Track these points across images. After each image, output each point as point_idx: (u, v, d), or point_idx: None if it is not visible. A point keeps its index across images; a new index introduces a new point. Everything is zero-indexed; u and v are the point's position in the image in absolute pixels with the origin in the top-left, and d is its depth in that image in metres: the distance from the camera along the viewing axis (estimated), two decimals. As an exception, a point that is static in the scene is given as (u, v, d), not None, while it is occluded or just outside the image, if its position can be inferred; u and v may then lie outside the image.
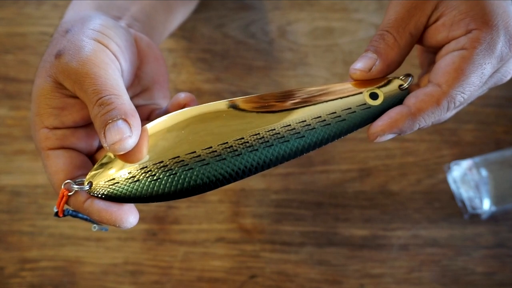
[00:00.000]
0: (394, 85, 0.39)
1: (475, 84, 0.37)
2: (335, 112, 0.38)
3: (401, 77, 0.40)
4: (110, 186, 0.36)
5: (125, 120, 0.35)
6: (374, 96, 0.39)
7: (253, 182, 0.60)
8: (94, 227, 0.41)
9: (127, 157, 0.36)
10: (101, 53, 0.37)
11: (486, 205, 0.56)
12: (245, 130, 0.37)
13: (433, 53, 0.41)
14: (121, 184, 0.36)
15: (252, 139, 0.37)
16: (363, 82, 0.39)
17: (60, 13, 0.65)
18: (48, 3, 0.66)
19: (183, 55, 0.64)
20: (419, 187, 0.59)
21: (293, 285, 0.57)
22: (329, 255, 0.58)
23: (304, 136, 0.37)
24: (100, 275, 0.57)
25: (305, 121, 0.38)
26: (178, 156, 0.36)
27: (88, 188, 0.36)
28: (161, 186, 0.36)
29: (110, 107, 0.35)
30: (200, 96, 0.63)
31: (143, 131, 0.36)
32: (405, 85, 0.39)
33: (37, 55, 0.64)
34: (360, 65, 0.39)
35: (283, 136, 0.37)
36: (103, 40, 0.39)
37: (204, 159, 0.36)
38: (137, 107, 0.39)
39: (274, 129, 0.37)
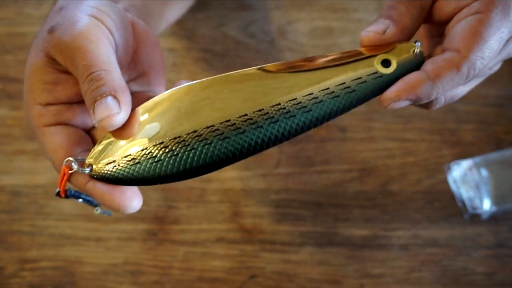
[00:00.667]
0: (406, 50, 0.36)
1: (494, 48, 0.35)
2: (344, 83, 0.35)
3: (413, 42, 0.37)
4: (113, 168, 0.34)
5: (114, 96, 0.34)
6: (386, 63, 0.36)
7: (253, 182, 0.60)
8: (97, 210, 0.40)
9: (118, 133, 0.35)
10: (94, 27, 0.37)
11: (486, 205, 0.56)
12: (251, 103, 0.35)
13: (437, 36, 0.40)
14: (124, 166, 0.34)
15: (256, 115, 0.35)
16: (373, 48, 0.36)
17: (60, 13, 0.65)
18: (48, 3, 0.66)
19: (183, 55, 0.64)
20: (419, 187, 0.59)
21: (293, 285, 0.57)
22: (329, 255, 0.58)
23: (311, 110, 0.35)
24: (100, 275, 0.57)
25: (312, 93, 0.35)
26: (196, 131, 0.34)
27: (89, 171, 0.35)
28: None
29: (100, 82, 0.34)
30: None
31: (135, 112, 0.35)
32: (418, 49, 0.36)
33: (37, 55, 0.64)
34: (373, 28, 0.36)
35: (289, 111, 0.35)
36: (97, 15, 0.38)
37: (218, 129, 0.34)
38: (133, 93, 0.39)
39: (280, 104, 0.35)
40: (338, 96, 0.35)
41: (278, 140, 0.35)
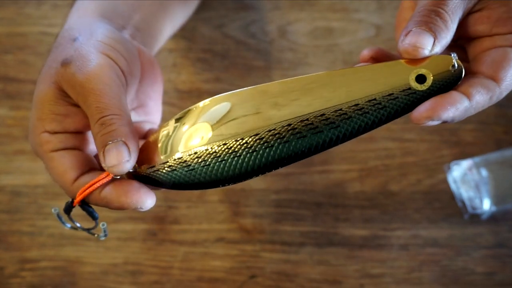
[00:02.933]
0: (443, 63, 0.34)
1: None
2: (375, 99, 0.34)
3: (452, 54, 0.34)
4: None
5: (125, 143, 0.35)
6: (421, 78, 0.34)
7: (253, 182, 0.60)
8: (97, 235, 0.41)
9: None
10: (108, 69, 0.38)
11: (486, 205, 0.56)
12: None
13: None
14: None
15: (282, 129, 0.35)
16: (409, 61, 0.35)
17: (60, 13, 0.65)
18: (48, 3, 0.66)
19: (183, 55, 0.64)
20: (419, 187, 0.59)
21: (293, 285, 0.57)
22: (329, 255, 0.58)
23: (339, 126, 0.34)
24: (100, 275, 0.57)
25: (341, 109, 0.34)
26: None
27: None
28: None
29: (111, 128, 0.36)
30: (200, 96, 0.63)
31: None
32: (456, 63, 0.34)
33: (37, 55, 0.64)
34: (414, 40, 0.34)
35: (317, 127, 0.34)
36: (112, 54, 0.39)
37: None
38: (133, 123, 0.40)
39: (307, 119, 0.34)
40: (367, 112, 0.34)
41: (304, 155, 0.34)
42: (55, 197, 0.59)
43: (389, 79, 0.34)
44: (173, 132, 0.37)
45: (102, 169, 0.38)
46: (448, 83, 0.34)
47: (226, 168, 0.35)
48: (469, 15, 0.37)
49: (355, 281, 0.57)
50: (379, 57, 0.39)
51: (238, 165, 0.35)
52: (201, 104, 0.36)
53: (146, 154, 0.37)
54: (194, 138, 0.36)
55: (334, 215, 0.59)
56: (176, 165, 0.36)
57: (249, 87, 0.36)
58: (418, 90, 0.34)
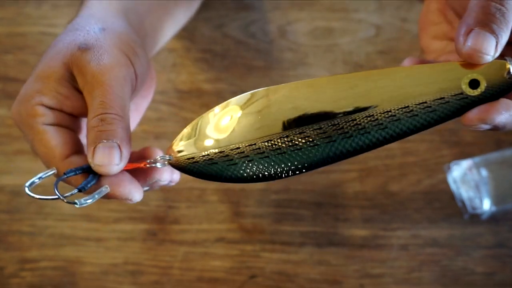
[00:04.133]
0: (496, 68, 0.33)
1: None
2: (425, 102, 0.33)
3: (507, 59, 0.33)
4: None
5: (119, 147, 0.35)
6: (474, 84, 0.33)
7: (253, 182, 0.60)
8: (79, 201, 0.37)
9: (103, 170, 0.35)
10: (124, 69, 0.37)
11: (486, 205, 0.56)
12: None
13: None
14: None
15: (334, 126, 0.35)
16: (464, 63, 0.33)
17: (60, 13, 0.65)
18: (48, 3, 0.66)
19: (183, 55, 0.64)
20: (419, 187, 0.59)
21: (293, 285, 0.57)
22: (329, 255, 0.58)
23: (386, 128, 0.34)
24: (100, 275, 0.57)
25: (390, 111, 0.34)
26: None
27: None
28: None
29: (110, 127, 0.35)
30: (200, 96, 0.63)
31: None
32: (511, 70, 0.33)
33: (37, 55, 0.64)
34: (475, 43, 0.32)
35: (364, 127, 0.34)
36: (131, 57, 0.38)
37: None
38: None
39: (355, 119, 0.34)
40: (416, 115, 0.34)
41: (349, 154, 0.34)
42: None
43: (441, 82, 0.34)
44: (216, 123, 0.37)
45: None
46: (501, 90, 0.33)
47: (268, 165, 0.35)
48: None
49: (355, 281, 0.57)
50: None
51: (281, 163, 0.35)
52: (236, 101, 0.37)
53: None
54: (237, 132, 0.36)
55: (334, 215, 0.59)
56: (217, 158, 0.36)
57: (291, 83, 0.36)
58: (470, 95, 0.33)
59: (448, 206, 0.59)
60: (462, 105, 0.33)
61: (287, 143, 0.35)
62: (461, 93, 0.33)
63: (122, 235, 0.58)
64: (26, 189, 0.35)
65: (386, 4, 0.65)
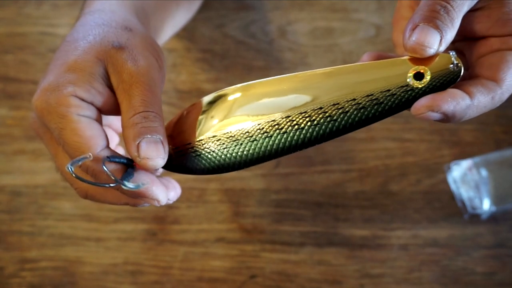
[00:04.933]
0: (443, 63, 0.34)
1: None
2: (372, 94, 0.35)
3: (451, 53, 0.34)
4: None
5: (162, 142, 0.36)
6: (419, 76, 0.34)
7: (253, 182, 0.60)
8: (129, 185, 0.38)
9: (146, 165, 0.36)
10: (157, 71, 0.38)
11: (486, 205, 0.56)
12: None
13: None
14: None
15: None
16: (411, 58, 0.35)
17: (60, 13, 0.65)
18: (48, 3, 0.66)
19: (183, 55, 0.64)
20: (419, 187, 0.59)
21: (293, 285, 0.57)
22: (329, 255, 0.58)
23: (336, 120, 0.35)
24: (100, 275, 0.57)
25: (338, 103, 0.35)
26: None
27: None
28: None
29: (153, 124, 0.36)
30: (200, 96, 0.62)
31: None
32: (455, 61, 0.34)
33: (37, 55, 0.64)
34: (419, 37, 0.34)
35: (314, 119, 0.35)
36: (160, 59, 0.40)
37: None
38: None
39: (307, 111, 0.36)
40: (364, 107, 0.35)
41: (302, 146, 0.36)
42: (55, 197, 0.59)
43: (388, 76, 0.35)
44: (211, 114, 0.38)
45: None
46: (446, 81, 0.34)
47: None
48: (469, 13, 0.36)
49: (355, 281, 0.57)
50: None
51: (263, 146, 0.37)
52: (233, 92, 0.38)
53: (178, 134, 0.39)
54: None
55: (334, 215, 0.59)
56: (222, 140, 0.37)
57: (261, 80, 0.38)
58: (415, 87, 0.34)
59: (448, 206, 0.59)
60: (407, 97, 0.34)
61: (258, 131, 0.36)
62: (407, 85, 0.34)
63: (122, 235, 0.58)
64: (70, 169, 0.35)
65: (386, 4, 0.65)
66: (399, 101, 0.35)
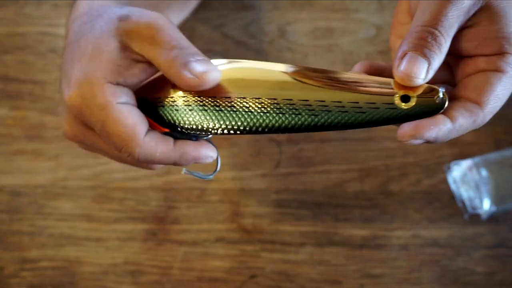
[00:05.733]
0: (430, 94, 0.36)
1: (502, 104, 0.37)
2: (357, 102, 0.37)
3: (439, 86, 0.36)
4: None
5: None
6: (405, 98, 0.36)
7: (253, 182, 0.60)
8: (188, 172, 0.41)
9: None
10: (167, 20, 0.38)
11: (486, 205, 0.56)
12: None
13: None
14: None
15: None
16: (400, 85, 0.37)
17: (60, 13, 0.65)
18: (48, 3, 0.66)
19: (183, 55, 0.64)
20: (419, 187, 0.59)
21: (293, 285, 0.57)
22: (329, 255, 0.58)
23: (318, 115, 0.37)
24: (100, 275, 0.57)
25: (324, 101, 0.37)
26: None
27: None
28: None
29: (192, 49, 0.37)
30: (200, 96, 0.63)
31: None
32: (442, 96, 0.36)
33: (37, 55, 0.64)
34: (407, 67, 0.35)
35: (297, 109, 0.37)
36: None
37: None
38: None
39: (294, 103, 0.38)
40: (346, 111, 0.37)
41: (280, 130, 0.38)
42: (55, 197, 0.59)
43: (377, 92, 0.37)
44: None
45: None
46: (429, 110, 0.36)
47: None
48: (459, 31, 0.37)
49: (355, 281, 0.57)
50: (371, 73, 0.40)
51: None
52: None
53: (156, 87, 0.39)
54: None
55: (334, 215, 0.59)
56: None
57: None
58: (400, 108, 0.36)
59: (448, 206, 0.59)
60: (390, 115, 0.37)
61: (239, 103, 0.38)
62: (392, 103, 0.37)
63: (122, 235, 0.58)
64: (186, 172, 0.40)
65: (386, 4, 0.65)
66: (380, 116, 0.37)
